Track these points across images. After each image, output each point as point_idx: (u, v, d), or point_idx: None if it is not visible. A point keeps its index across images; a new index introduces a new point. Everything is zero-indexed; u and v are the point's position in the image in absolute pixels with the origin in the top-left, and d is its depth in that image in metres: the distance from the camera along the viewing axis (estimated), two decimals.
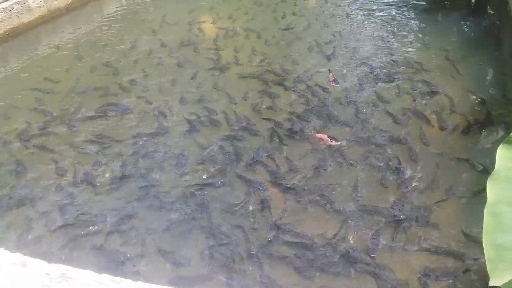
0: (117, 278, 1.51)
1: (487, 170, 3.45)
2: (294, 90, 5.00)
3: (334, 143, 4.03)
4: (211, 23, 6.90)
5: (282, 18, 6.98)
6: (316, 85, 5.05)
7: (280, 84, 5.15)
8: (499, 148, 2.12)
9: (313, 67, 5.46)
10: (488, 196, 1.97)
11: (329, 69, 5.35)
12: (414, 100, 4.69)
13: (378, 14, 6.98)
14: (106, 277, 1.53)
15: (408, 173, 3.69)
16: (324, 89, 4.95)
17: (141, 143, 4.25)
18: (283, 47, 6.08)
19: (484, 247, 1.75)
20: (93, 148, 4.23)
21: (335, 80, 5.11)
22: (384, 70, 5.29)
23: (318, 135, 4.18)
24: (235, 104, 4.82)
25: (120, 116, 4.69)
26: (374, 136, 4.17)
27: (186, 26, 6.79)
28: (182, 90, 5.11)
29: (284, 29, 6.54)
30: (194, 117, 4.61)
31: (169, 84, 5.26)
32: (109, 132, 4.45)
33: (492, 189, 2.00)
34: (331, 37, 6.22)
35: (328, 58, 5.63)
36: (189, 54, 5.95)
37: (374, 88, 4.92)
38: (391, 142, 4.08)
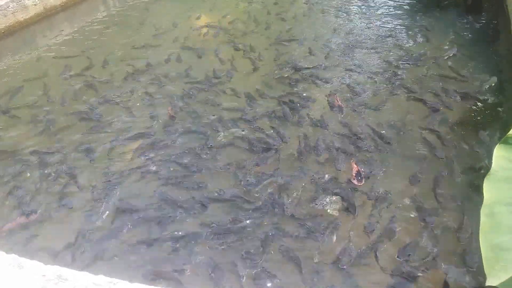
0: (114, 280, 1.50)
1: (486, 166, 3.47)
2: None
3: (356, 181, 3.54)
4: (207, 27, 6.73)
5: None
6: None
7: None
8: (496, 147, 2.09)
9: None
10: (484, 196, 1.97)
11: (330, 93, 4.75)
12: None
13: (372, 13, 7.00)
14: (102, 279, 1.52)
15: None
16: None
17: None
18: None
19: (481, 247, 1.76)
20: None
21: (340, 108, 4.48)
22: (378, 70, 5.27)
23: (353, 165, 3.71)
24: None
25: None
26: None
27: (182, 30, 6.69)
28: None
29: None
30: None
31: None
32: None
33: (489, 189, 1.99)
34: (334, 46, 5.98)
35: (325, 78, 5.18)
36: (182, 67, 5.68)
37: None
38: None
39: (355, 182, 3.53)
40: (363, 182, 3.54)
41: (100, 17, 7.29)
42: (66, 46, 6.24)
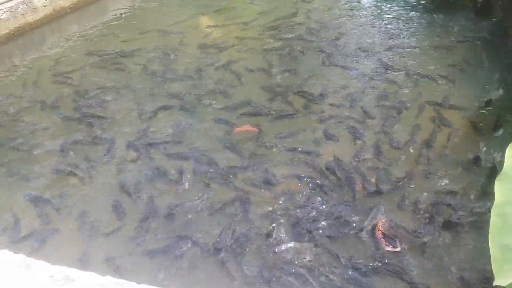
0: (121, 281, 1.51)
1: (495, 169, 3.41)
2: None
3: (388, 246, 2.97)
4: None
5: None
6: None
7: None
8: (508, 148, 2.06)
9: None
10: (495, 197, 1.94)
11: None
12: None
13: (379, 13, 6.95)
14: (109, 280, 1.53)
15: None
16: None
17: None
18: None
19: (490, 248, 1.73)
20: None
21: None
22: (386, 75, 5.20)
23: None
24: None
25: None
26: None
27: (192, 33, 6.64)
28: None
29: None
30: None
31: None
32: None
33: (500, 189, 1.96)
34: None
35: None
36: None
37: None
38: None
39: (388, 246, 2.97)
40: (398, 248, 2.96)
41: (110, 19, 7.31)
42: (73, 48, 6.30)
